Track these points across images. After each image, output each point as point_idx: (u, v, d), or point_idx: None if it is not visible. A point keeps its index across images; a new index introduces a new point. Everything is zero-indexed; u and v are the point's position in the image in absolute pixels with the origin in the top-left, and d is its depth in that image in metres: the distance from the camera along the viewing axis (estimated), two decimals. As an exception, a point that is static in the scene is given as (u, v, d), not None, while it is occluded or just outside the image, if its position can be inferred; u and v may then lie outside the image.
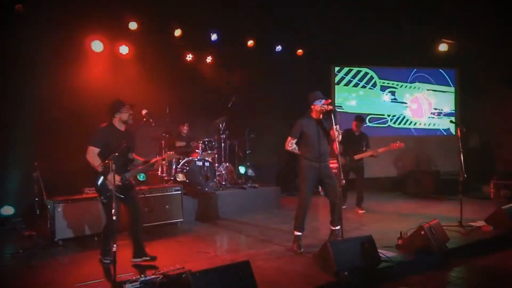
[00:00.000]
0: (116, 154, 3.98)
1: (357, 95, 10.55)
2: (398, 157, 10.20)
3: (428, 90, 10.84)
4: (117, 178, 4.21)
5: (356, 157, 7.27)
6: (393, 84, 10.73)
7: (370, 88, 10.59)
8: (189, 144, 7.91)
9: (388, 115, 10.68)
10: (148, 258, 4.55)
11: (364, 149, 7.32)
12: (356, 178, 7.54)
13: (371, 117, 10.50)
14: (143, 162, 4.64)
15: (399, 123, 10.74)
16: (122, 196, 4.37)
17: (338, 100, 10.40)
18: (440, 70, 10.86)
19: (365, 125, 7.71)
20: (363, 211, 7.35)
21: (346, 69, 10.47)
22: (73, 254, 5.07)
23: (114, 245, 3.57)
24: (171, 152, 4.86)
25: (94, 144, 4.30)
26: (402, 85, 10.76)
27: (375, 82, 10.63)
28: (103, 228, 4.60)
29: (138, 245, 4.58)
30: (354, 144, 7.36)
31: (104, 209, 4.46)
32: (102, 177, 4.29)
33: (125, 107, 4.45)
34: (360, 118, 7.60)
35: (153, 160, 4.66)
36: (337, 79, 10.44)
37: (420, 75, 10.82)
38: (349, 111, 10.20)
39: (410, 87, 10.80)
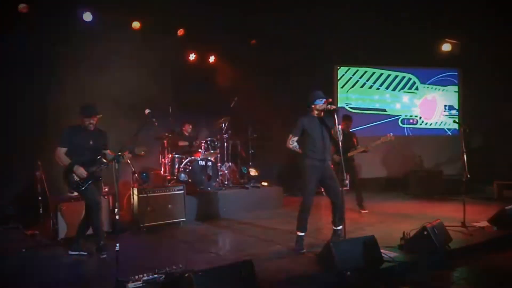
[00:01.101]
0: (120, 153, 4.14)
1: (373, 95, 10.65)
2: (401, 157, 10.17)
3: (434, 90, 10.86)
4: (84, 171, 4.62)
5: (349, 154, 7.38)
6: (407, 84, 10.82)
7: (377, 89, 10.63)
8: (191, 144, 7.91)
9: (405, 115, 10.78)
10: (85, 253, 4.82)
11: (358, 146, 7.46)
12: (351, 178, 7.58)
13: (403, 119, 10.65)
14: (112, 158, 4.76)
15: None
16: (83, 188, 4.67)
17: (358, 102, 10.50)
18: (443, 70, 10.85)
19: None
20: (366, 211, 7.34)
21: (353, 69, 10.48)
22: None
23: (117, 244, 3.56)
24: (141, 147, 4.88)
25: (60, 144, 4.70)
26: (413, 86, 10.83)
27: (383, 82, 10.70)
28: (86, 223, 4.87)
29: (78, 238, 4.91)
30: (346, 142, 7.36)
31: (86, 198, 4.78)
32: (71, 172, 4.63)
33: (85, 116, 4.73)
34: (349, 117, 7.75)
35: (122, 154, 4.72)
36: (343, 80, 10.45)
37: (424, 75, 10.83)
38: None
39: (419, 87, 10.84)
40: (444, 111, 10.91)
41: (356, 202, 7.49)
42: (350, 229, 5.59)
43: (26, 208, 6.59)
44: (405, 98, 10.74)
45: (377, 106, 10.57)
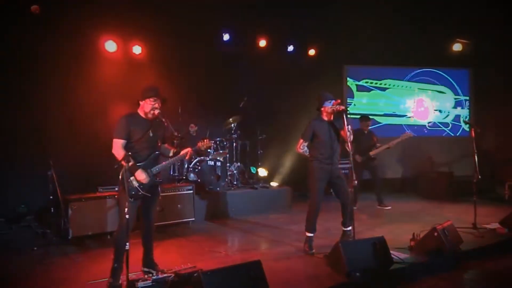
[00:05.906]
0: (130, 153, 3.75)
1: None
2: (411, 158, 10.09)
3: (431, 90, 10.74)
4: (143, 175, 3.85)
5: (372, 153, 7.53)
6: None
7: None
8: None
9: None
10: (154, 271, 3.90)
11: (378, 144, 7.60)
12: (373, 177, 7.77)
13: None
14: (174, 153, 4.24)
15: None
16: (149, 195, 3.95)
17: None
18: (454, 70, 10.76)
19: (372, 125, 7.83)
20: (389, 207, 7.59)
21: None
22: (86, 251, 5.13)
23: (127, 244, 3.56)
24: (205, 141, 4.31)
25: (116, 135, 3.87)
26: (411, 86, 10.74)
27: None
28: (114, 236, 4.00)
29: (145, 253, 4.22)
30: (366, 142, 7.64)
31: (120, 209, 3.97)
32: (127, 174, 3.77)
33: (151, 98, 3.94)
34: (367, 117, 7.91)
35: (183, 152, 4.17)
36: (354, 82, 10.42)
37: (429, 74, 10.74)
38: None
39: (419, 88, 10.72)
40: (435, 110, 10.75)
41: (377, 201, 7.75)
42: (360, 230, 5.57)
43: (38, 207, 6.67)
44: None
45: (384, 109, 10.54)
